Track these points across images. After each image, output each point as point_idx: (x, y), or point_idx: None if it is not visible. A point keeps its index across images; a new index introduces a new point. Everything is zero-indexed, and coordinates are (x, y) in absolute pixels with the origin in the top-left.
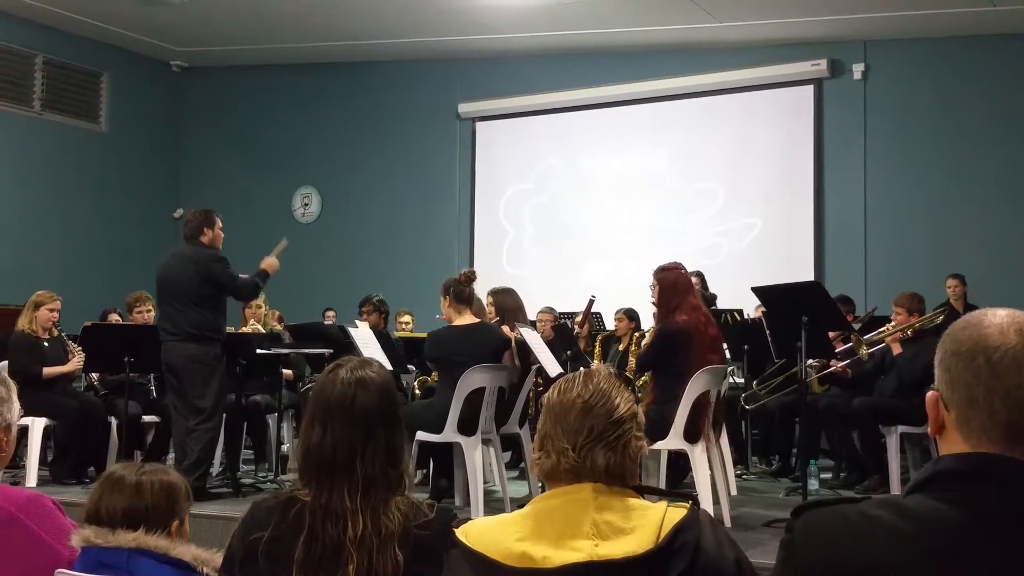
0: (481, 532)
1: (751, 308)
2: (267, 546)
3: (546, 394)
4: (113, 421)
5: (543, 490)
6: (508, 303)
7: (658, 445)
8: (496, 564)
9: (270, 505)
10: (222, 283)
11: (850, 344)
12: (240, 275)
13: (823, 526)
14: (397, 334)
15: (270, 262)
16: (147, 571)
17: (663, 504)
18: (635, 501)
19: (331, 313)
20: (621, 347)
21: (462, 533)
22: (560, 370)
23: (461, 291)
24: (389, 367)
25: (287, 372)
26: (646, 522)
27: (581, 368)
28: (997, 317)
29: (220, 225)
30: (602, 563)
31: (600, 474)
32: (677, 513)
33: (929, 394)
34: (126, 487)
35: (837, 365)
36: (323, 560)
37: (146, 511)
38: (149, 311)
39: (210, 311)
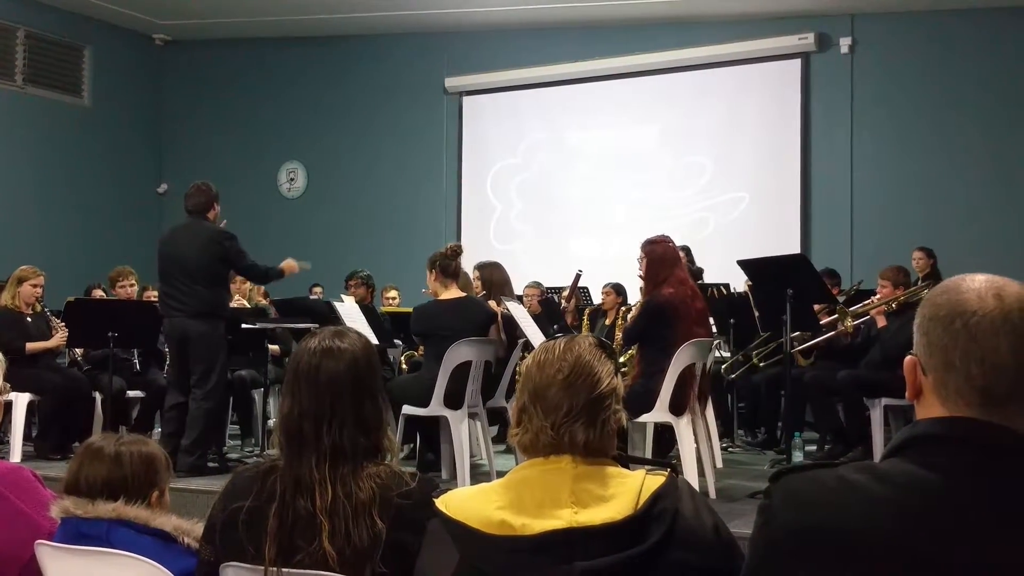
0: (461, 501)
1: (738, 283)
2: (247, 515)
3: (524, 362)
4: (97, 396)
5: None
6: (494, 277)
7: (644, 418)
8: (475, 532)
9: (251, 475)
10: (234, 261)
11: (835, 316)
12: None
13: (800, 490)
14: (383, 309)
15: (291, 265)
16: (127, 541)
17: (642, 472)
18: (614, 469)
19: (318, 289)
20: (608, 321)
21: (442, 503)
22: None
23: (447, 265)
24: (375, 341)
25: (273, 347)
26: (625, 489)
27: (560, 334)
28: (976, 282)
29: None
30: (581, 530)
31: (579, 449)
32: (655, 481)
33: (907, 359)
34: (105, 457)
35: (843, 327)
36: (296, 529)
37: (125, 481)
38: (132, 286)
39: (218, 288)
